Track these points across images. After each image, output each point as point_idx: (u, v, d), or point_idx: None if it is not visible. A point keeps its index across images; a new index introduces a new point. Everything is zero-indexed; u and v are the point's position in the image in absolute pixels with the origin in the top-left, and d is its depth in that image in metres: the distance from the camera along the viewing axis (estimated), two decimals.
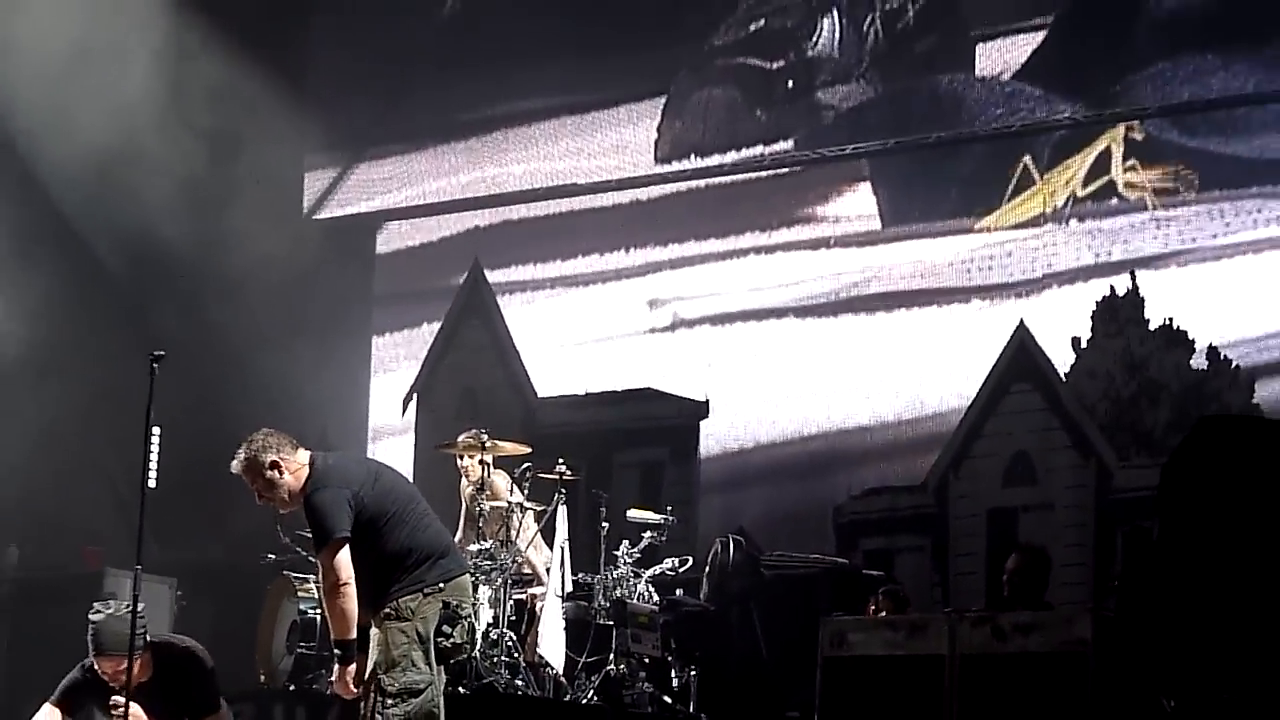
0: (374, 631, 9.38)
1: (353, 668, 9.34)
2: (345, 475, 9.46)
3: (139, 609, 9.76)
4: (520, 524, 12.25)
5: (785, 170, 15.86)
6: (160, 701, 9.71)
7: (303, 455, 9.50)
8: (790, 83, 15.59)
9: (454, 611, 9.44)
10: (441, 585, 9.43)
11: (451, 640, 9.43)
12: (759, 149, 15.94)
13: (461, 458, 12.56)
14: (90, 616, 9.74)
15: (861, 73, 15.49)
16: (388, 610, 9.37)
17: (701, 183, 16.17)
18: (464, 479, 12.56)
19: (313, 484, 9.37)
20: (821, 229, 15.59)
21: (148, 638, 9.73)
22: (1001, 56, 15.04)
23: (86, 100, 14.40)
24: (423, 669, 9.35)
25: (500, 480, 12.49)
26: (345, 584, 9.21)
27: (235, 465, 9.53)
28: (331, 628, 9.42)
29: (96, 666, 9.79)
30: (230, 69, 15.38)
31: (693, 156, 16.24)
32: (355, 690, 9.39)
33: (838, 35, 15.45)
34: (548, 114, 16.69)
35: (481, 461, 12.35)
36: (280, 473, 9.45)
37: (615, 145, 16.34)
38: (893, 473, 15.06)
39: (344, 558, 9.23)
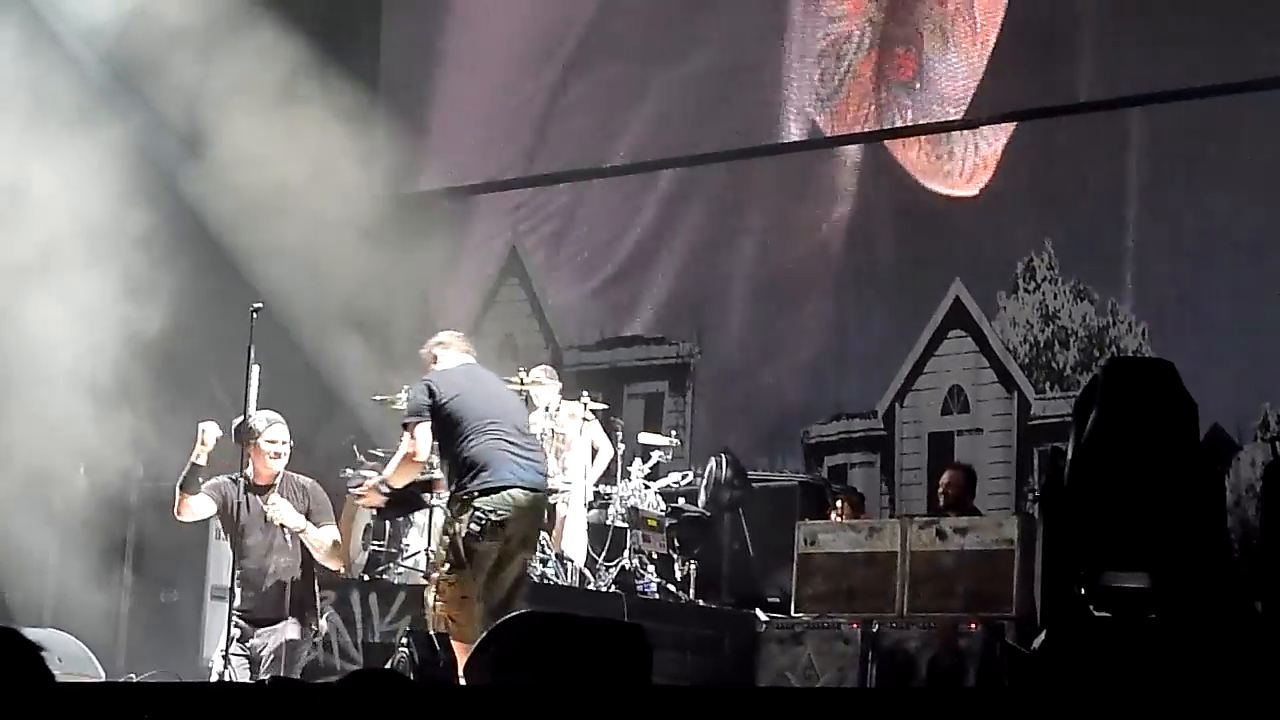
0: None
1: (375, 494, 9.81)
2: (440, 381, 9.57)
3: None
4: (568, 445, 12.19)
5: None
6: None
7: (447, 358, 9.70)
8: None
9: (486, 518, 9.39)
10: (478, 494, 9.40)
11: (480, 542, 9.37)
12: None
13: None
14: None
15: None
16: (446, 512, 9.46)
17: None
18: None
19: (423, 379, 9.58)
20: None
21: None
22: None
23: None
24: (458, 564, 9.36)
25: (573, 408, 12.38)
26: (412, 454, 9.47)
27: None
28: (388, 470, 9.57)
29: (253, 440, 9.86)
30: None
31: None
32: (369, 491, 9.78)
33: None
34: None
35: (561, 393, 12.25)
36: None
37: None
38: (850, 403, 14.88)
39: (418, 437, 9.37)
